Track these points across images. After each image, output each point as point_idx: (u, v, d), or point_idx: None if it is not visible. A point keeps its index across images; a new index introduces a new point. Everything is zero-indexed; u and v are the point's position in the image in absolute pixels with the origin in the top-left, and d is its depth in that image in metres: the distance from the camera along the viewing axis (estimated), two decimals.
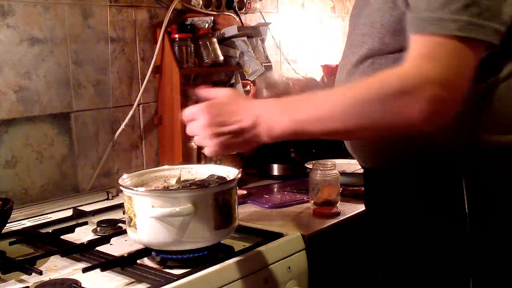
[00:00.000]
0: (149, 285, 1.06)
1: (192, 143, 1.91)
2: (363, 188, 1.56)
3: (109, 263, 1.14)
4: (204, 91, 1.06)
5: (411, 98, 0.84)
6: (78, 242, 1.30)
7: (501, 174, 0.95)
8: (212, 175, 1.26)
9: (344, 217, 1.45)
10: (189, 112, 1.01)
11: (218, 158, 1.73)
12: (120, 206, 1.40)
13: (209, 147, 0.99)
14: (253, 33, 2.08)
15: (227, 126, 0.97)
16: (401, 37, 0.94)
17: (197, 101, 1.03)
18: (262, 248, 1.22)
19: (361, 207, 1.49)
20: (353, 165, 1.83)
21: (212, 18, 1.98)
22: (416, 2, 0.88)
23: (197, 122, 0.99)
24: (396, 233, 1.06)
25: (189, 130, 1.02)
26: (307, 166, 1.86)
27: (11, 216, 1.31)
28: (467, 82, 0.86)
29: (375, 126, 0.88)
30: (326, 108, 0.90)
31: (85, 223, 1.44)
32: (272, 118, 0.94)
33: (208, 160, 1.75)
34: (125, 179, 1.23)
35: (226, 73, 2.11)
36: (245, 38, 2.00)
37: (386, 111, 0.86)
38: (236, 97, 1.02)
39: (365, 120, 0.88)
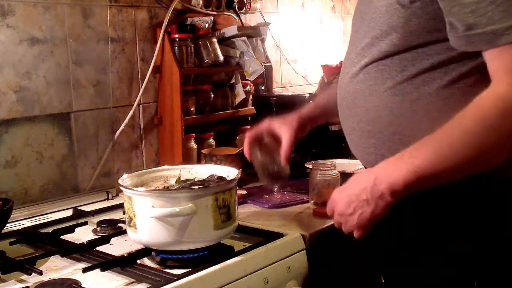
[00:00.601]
0: (149, 285, 1.06)
1: (192, 143, 1.91)
2: None
3: (109, 263, 1.14)
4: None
5: None
6: (78, 242, 1.30)
7: (505, 176, 0.95)
8: (212, 175, 1.26)
9: None
10: (329, 206, 1.06)
11: (218, 158, 1.73)
12: (120, 206, 1.40)
13: (353, 228, 1.02)
14: (253, 33, 2.08)
15: (355, 201, 0.99)
16: (411, 37, 0.94)
17: None
18: (262, 248, 1.22)
19: None
20: (353, 165, 1.83)
21: (212, 18, 1.98)
22: (473, 19, 0.86)
23: (335, 211, 1.04)
24: (398, 233, 1.06)
25: (335, 221, 1.07)
26: (307, 166, 1.86)
27: (11, 216, 1.31)
28: None
29: (494, 152, 0.88)
30: (439, 150, 0.90)
31: (85, 223, 1.44)
32: (390, 173, 0.94)
33: (208, 160, 1.75)
34: (125, 179, 1.23)
35: (226, 73, 2.11)
36: (245, 38, 2.00)
37: (498, 136, 0.86)
38: (357, 174, 1.03)
39: (480, 150, 0.88)
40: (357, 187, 0.99)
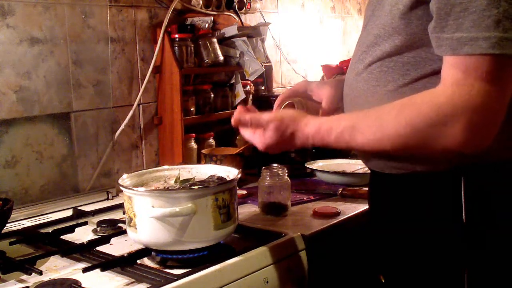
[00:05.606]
0: (149, 285, 1.06)
1: (192, 143, 1.91)
2: (363, 188, 1.57)
3: (109, 263, 1.14)
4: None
5: (446, 128, 0.86)
6: (78, 242, 1.30)
7: (503, 183, 0.95)
8: (212, 175, 1.26)
9: (344, 217, 1.45)
10: (254, 121, 1.09)
11: (218, 158, 1.73)
12: (120, 206, 1.40)
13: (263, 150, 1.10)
14: (253, 33, 2.08)
15: (287, 147, 1.08)
16: (413, 39, 0.94)
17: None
18: (262, 248, 1.21)
19: (361, 207, 1.49)
20: (353, 165, 1.84)
21: (212, 18, 1.98)
22: (447, 22, 0.86)
23: (260, 135, 1.08)
24: (399, 234, 1.05)
25: (247, 135, 1.11)
26: (307, 166, 1.86)
27: (11, 216, 1.31)
28: (506, 101, 0.86)
29: (413, 150, 0.92)
30: (368, 134, 0.95)
31: (85, 223, 1.44)
32: (323, 144, 1.02)
33: (208, 160, 1.75)
34: (125, 179, 1.23)
35: (226, 73, 2.11)
36: (245, 38, 2.00)
37: (424, 140, 0.89)
38: (293, 121, 1.06)
39: (403, 145, 0.91)
40: (293, 143, 1.05)
